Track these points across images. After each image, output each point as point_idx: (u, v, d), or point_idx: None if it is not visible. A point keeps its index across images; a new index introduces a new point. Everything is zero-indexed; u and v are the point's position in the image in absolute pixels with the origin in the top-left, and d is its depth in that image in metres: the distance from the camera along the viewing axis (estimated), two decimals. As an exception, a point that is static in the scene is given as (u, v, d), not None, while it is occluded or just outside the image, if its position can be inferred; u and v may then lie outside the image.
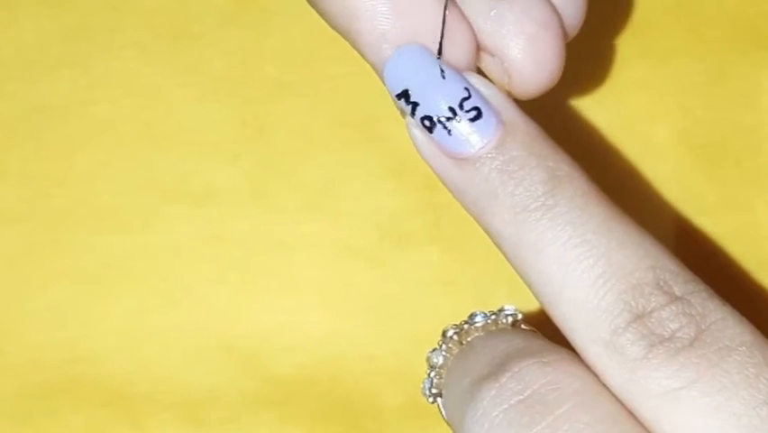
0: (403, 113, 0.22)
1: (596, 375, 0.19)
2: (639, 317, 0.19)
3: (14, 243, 0.29)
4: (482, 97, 0.21)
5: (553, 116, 0.29)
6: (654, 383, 0.18)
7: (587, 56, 0.29)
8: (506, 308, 0.23)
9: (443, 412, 0.22)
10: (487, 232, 0.21)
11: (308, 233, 0.29)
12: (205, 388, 0.29)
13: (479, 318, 0.22)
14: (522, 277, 0.20)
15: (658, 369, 0.18)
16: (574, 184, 0.20)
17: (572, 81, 0.30)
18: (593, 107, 0.29)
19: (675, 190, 0.29)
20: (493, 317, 0.22)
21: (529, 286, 0.20)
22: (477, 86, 0.21)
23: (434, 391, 0.22)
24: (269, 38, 0.30)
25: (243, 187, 0.29)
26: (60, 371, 0.29)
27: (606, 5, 0.30)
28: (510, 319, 0.22)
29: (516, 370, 0.19)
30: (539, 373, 0.19)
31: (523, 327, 0.22)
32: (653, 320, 0.18)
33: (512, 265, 0.21)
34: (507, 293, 0.28)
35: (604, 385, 0.19)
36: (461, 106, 0.21)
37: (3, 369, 0.29)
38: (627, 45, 0.29)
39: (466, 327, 0.22)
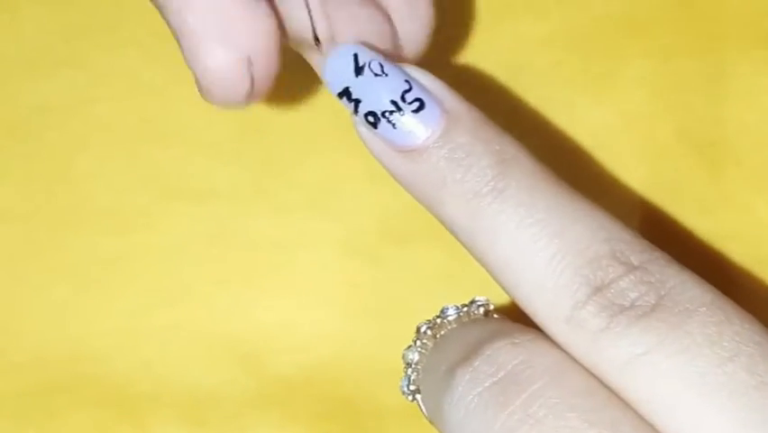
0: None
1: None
2: (598, 290, 0.19)
3: (16, 241, 0.29)
4: (424, 88, 0.21)
5: (553, 116, 0.30)
6: (618, 352, 0.18)
7: (587, 54, 0.29)
8: (477, 299, 0.23)
9: (423, 408, 0.22)
10: (442, 222, 0.21)
11: (309, 232, 0.29)
12: (207, 387, 0.29)
13: (451, 312, 0.22)
14: (482, 264, 0.20)
15: (620, 337, 0.18)
16: (522, 165, 0.20)
17: (572, 80, 0.30)
18: (593, 106, 0.29)
19: (675, 190, 0.29)
20: (465, 309, 0.23)
21: (489, 273, 0.20)
22: (417, 77, 0.21)
23: (412, 387, 0.22)
24: (269, 37, 0.30)
25: (244, 185, 0.29)
26: (61, 370, 0.29)
27: (606, 3, 0.30)
28: (482, 310, 0.23)
29: (489, 353, 0.19)
30: (511, 354, 0.19)
31: (495, 316, 0.23)
32: (612, 291, 0.18)
33: (471, 253, 0.21)
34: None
35: (576, 361, 0.19)
36: (403, 99, 0.21)
37: (3, 367, 0.29)
38: (627, 43, 0.29)
39: (439, 321, 0.22)
